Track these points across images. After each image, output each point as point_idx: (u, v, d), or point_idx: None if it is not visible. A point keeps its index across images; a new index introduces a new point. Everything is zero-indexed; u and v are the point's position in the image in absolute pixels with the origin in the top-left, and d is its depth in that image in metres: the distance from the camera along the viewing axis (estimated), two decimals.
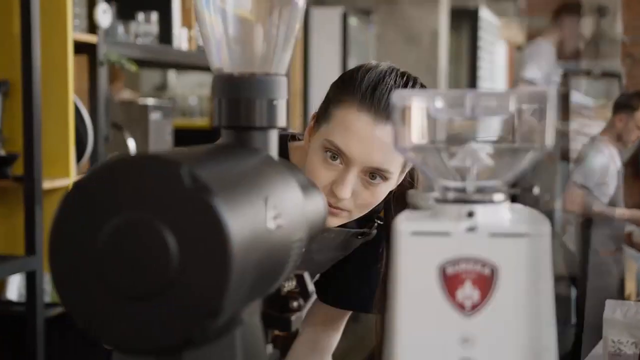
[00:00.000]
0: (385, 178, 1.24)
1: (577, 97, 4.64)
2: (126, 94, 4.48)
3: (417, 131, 0.68)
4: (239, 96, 0.76)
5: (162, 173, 0.59)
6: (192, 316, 0.59)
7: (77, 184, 0.62)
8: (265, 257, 0.65)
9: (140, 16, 2.99)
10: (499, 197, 0.68)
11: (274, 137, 0.78)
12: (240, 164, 0.69)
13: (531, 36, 9.80)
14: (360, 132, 1.21)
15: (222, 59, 0.78)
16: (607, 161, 4.51)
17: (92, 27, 2.59)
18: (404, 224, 0.66)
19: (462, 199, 0.67)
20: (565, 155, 4.60)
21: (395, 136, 0.67)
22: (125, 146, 2.88)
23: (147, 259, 0.59)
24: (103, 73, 2.62)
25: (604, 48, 9.61)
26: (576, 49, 4.67)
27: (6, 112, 2.38)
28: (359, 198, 1.25)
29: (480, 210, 0.66)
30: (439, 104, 0.67)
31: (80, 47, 2.57)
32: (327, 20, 4.78)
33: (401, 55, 5.57)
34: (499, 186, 0.68)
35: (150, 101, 3.19)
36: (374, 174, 1.24)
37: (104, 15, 2.57)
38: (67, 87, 2.42)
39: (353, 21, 4.96)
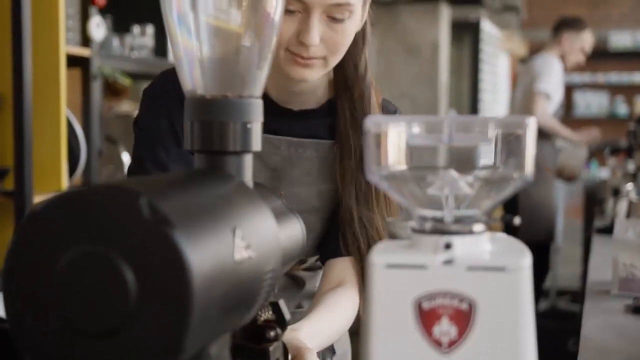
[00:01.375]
0: (348, 12, 1.21)
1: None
2: (125, 106, 4.46)
3: (392, 158, 0.65)
4: (212, 119, 0.73)
5: (120, 204, 0.56)
6: (152, 355, 0.56)
7: (33, 213, 0.59)
8: (233, 290, 0.62)
9: (136, 29, 2.96)
10: (478, 227, 0.64)
11: (248, 161, 0.75)
12: (208, 192, 0.66)
13: (533, 48, 9.81)
14: None
15: (194, 81, 0.75)
16: (559, 72, 4.52)
17: (86, 41, 2.57)
18: (378, 255, 0.63)
19: (440, 229, 0.64)
20: None
21: (369, 163, 0.64)
22: (120, 160, 2.85)
23: (104, 293, 0.56)
24: (96, 86, 2.59)
25: None
26: (578, 62, 4.65)
27: None
28: (328, 41, 1.22)
29: (458, 241, 0.63)
30: (416, 129, 0.64)
31: (74, 61, 2.55)
32: None
33: (402, 67, 5.55)
34: (478, 216, 0.65)
35: None
36: (336, 15, 1.20)
37: (98, 28, 2.54)
38: (59, 100, 2.39)
39: None
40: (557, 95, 4.55)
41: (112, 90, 3.82)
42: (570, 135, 4.64)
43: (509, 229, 4.08)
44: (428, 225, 0.65)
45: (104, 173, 2.83)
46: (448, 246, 0.62)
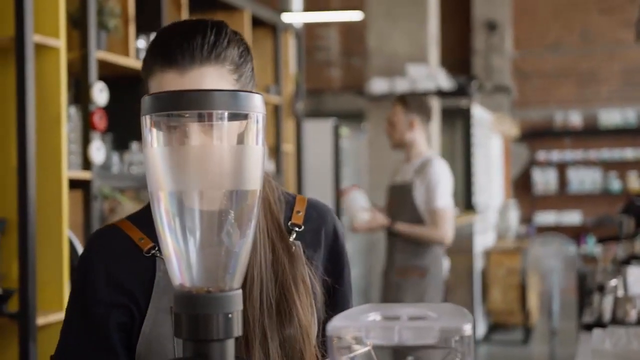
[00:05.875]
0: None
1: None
2: (128, 207, 4.53)
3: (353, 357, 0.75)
4: (197, 312, 0.85)
5: None
6: None
7: None
8: None
9: (135, 145, 3.11)
10: None
11: (230, 346, 0.86)
12: None
13: (525, 128, 9.99)
14: (171, 88, 1.17)
15: (182, 276, 0.87)
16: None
17: (87, 164, 2.70)
18: None
19: None
20: None
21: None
22: None
23: None
24: (97, 207, 2.72)
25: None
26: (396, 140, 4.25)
27: (3, 249, 2.47)
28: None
29: None
30: (371, 333, 0.75)
31: (75, 183, 2.68)
32: (320, 131, 4.93)
33: (394, 159, 5.68)
34: None
35: None
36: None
37: (98, 152, 2.68)
38: (61, 223, 2.51)
39: (345, 131, 5.11)
40: None
41: None
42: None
43: None
44: None
45: None
46: None
